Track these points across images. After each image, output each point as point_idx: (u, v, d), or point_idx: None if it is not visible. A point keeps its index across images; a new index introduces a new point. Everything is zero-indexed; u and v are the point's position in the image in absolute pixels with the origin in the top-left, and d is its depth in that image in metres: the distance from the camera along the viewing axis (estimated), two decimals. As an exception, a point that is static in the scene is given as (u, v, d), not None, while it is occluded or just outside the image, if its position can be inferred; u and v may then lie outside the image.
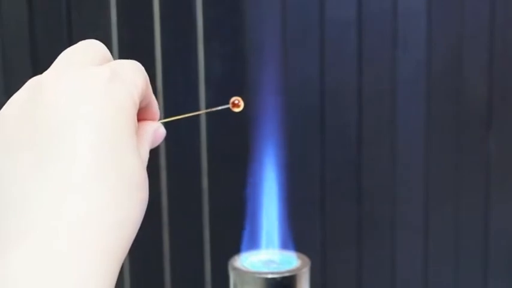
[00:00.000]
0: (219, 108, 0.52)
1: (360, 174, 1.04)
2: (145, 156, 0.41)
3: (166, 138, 1.09)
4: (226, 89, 1.00)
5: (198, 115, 0.47)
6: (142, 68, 0.41)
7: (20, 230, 0.34)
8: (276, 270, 0.61)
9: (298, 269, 0.61)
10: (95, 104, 0.37)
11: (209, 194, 1.02)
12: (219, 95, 1.00)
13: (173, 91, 0.99)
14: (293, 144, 0.99)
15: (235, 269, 0.61)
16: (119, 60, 0.41)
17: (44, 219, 0.34)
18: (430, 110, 1.04)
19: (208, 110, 0.52)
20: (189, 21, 0.98)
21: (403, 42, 1.02)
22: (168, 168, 1.01)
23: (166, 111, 0.94)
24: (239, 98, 0.51)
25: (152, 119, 0.44)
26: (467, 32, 1.03)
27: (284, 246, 0.64)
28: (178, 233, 1.03)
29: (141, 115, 0.43)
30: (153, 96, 0.43)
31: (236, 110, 0.52)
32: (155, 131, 0.44)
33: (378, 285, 1.08)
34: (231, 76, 1.00)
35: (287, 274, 0.60)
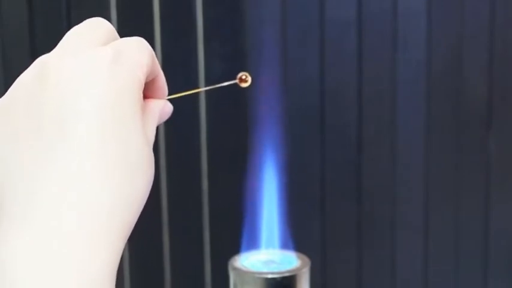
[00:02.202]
0: (226, 83, 0.52)
1: (360, 174, 1.04)
2: (152, 135, 0.41)
3: (167, 139, 1.09)
4: (226, 89, 1.00)
5: (206, 90, 0.47)
6: (148, 44, 0.41)
7: (24, 213, 0.35)
8: (276, 270, 0.61)
9: (298, 269, 0.61)
10: (99, 86, 0.37)
11: (209, 194, 1.02)
12: (219, 96, 1.00)
13: (173, 91, 0.99)
14: (293, 144, 0.99)
15: (235, 269, 0.61)
16: (124, 39, 0.41)
17: (47, 202, 0.35)
18: (430, 110, 1.04)
19: (215, 86, 0.52)
20: (189, 21, 0.98)
21: (403, 42, 1.02)
22: (168, 169, 1.01)
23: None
24: (246, 73, 0.51)
25: (159, 94, 0.44)
26: (467, 32, 1.03)
27: (284, 246, 0.64)
28: (178, 233, 1.03)
29: (148, 91, 0.43)
30: (161, 72, 0.44)
31: (243, 85, 0.52)
32: (161, 109, 0.44)
33: (378, 285, 1.08)
34: (231, 76, 0.99)
35: (287, 274, 0.60)
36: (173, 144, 1.00)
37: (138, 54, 0.40)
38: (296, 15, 1.00)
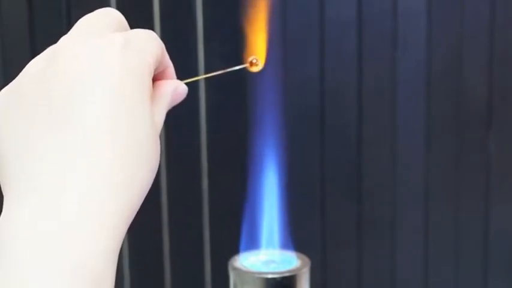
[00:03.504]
0: (237, 67, 0.51)
1: (360, 174, 1.04)
2: (160, 119, 0.41)
3: (167, 138, 1.09)
4: (226, 89, 1.00)
5: (218, 75, 0.48)
6: (157, 36, 0.42)
7: (27, 188, 0.35)
8: (276, 270, 0.61)
9: (298, 269, 0.61)
10: (109, 70, 0.37)
11: (209, 194, 1.02)
12: (219, 95, 1.00)
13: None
14: (293, 144, 0.98)
15: (235, 269, 0.61)
16: (134, 29, 0.41)
17: (51, 181, 0.35)
18: (430, 110, 1.04)
19: (227, 70, 0.51)
20: (189, 21, 0.98)
21: (403, 42, 1.02)
22: (168, 168, 1.01)
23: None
24: (257, 57, 0.51)
25: None
26: (467, 32, 1.03)
27: (284, 246, 0.64)
28: (178, 233, 1.03)
29: (158, 79, 0.43)
30: (170, 64, 0.44)
31: (254, 69, 0.51)
32: (174, 90, 0.44)
33: (378, 285, 1.08)
34: (231, 76, 0.99)
35: (287, 274, 0.60)
36: (173, 143, 1.00)
37: (148, 43, 0.40)
38: (296, 15, 1.00)
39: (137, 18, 0.99)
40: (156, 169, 0.38)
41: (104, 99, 0.36)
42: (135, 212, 0.36)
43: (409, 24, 1.02)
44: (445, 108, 1.05)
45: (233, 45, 0.98)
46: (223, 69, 0.51)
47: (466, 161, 1.07)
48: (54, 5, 0.98)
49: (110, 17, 0.41)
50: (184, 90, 0.45)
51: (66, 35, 0.40)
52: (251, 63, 0.51)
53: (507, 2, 1.04)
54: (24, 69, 0.39)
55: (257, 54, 0.51)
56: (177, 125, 0.99)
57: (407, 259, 1.07)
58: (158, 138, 0.39)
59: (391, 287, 1.07)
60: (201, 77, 0.51)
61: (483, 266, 1.09)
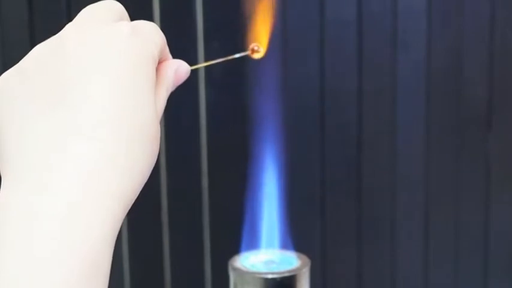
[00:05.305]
0: (238, 55, 0.51)
1: (360, 174, 1.04)
2: (162, 104, 0.42)
3: (167, 137, 1.09)
4: (227, 89, 1.00)
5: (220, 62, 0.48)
6: (159, 29, 0.43)
7: (24, 171, 0.35)
8: (276, 270, 0.61)
9: (298, 269, 0.61)
10: (114, 57, 0.38)
11: (209, 193, 1.02)
12: (219, 95, 1.00)
13: (174, 91, 0.98)
14: (293, 144, 0.98)
15: (235, 269, 0.61)
16: (139, 20, 0.42)
17: (50, 165, 0.35)
18: (430, 110, 1.04)
19: (228, 58, 0.51)
20: (189, 21, 0.98)
21: (403, 42, 1.02)
22: (168, 168, 1.01)
23: (167, 110, 0.94)
24: (258, 44, 0.51)
25: None
26: (467, 32, 1.03)
27: (284, 246, 0.64)
28: (178, 233, 1.03)
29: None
30: (170, 56, 0.44)
31: (256, 56, 0.51)
32: (175, 71, 0.44)
33: (378, 285, 1.08)
34: (231, 76, 0.99)
35: (287, 274, 0.60)
36: (173, 143, 1.00)
37: (152, 33, 0.41)
38: (296, 15, 1.00)
39: (137, 18, 0.99)
40: (156, 156, 0.38)
41: (108, 85, 0.37)
42: (133, 200, 0.36)
43: (409, 24, 1.02)
44: (445, 108, 1.05)
45: (233, 45, 0.98)
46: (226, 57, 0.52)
47: (466, 161, 1.07)
48: (54, 5, 0.98)
49: (112, 7, 0.42)
50: (187, 70, 0.45)
51: (70, 23, 0.40)
52: (253, 50, 0.51)
53: (507, 2, 1.04)
54: (29, 53, 0.39)
55: (259, 42, 0.51)
56: (177, 125, 0.99)
57: (407, 259, 1.07)
58: (159, 125, 0.39)
59: (391, 287, 1.07)
60: (203, 64, 0.51)
61: (483, 266, 1.09)
